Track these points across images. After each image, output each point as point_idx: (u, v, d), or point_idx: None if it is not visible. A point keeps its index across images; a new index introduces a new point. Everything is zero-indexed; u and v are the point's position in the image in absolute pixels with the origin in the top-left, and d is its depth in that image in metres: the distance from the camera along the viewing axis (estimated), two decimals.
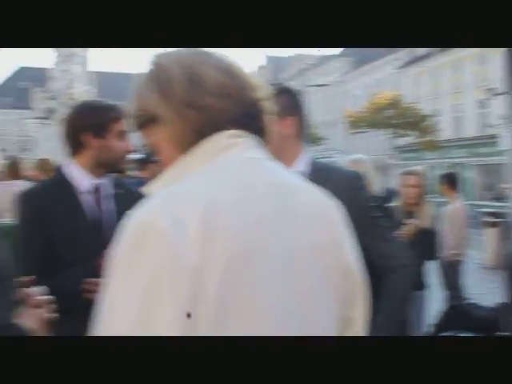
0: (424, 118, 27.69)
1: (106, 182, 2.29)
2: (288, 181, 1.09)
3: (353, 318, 1.14)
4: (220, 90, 1.06)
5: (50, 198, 2.19)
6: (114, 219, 2.21)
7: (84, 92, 41.24)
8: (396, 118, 27.18)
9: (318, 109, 40.91)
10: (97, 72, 52.30)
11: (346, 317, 1.12)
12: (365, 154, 5.44)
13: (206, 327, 0.91)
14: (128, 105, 1.14)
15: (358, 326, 1.15)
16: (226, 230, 0.93)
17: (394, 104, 27.56)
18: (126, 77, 69.97)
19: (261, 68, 62.34)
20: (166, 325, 0.89)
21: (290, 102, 2.29)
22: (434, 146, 27.73)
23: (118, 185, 2.35)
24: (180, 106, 1.06)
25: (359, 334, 1.15)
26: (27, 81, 54.07)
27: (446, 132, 29.94)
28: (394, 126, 27.73)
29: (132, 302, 0.90)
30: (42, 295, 1.52)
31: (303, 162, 2.29)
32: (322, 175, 2.10)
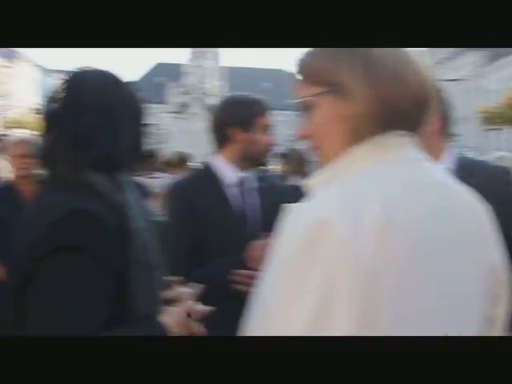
0: None
1: (250, 176, 2.34)
2: (444, 181, 1.07)
3: (495, 318, 1.11)
4: (401, 81, 1.01)
5: (198, 190, 2.26)
6: (257, 212, 2.27)
7: (216, 87, 42.27)
8: None
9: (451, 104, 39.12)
10: (228, 67, 53.53)
11: (489, 316, 1.09)
12: (498, 151, 5.28)
13: (379, 328, 0.89)
14: (295, 77, 1.09)
15: (498, 326, 1.12)
16: (401, 232, 0.90)
17: None
18: (254, 71, 71.18)
19: None
20: (340, 327, 0.86)
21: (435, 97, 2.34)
22: None
23: (261, 178, 2.39)
24: (379, 85, 1.00)
25: (497, 335, 1.12)
26: (163, 76, 56.29)
27: None
28: None
29: (307, 304, 0.87)
30: (192, 294, 1.55)
31: (449, 158, 2.29)
32: (468, 171, 2.09)
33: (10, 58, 49.12)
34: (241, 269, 2.05)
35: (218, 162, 2.33)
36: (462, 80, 36.17)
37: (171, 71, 55.47)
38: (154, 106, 57.84)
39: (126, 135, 1.41)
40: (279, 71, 70.87)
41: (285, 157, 6.25)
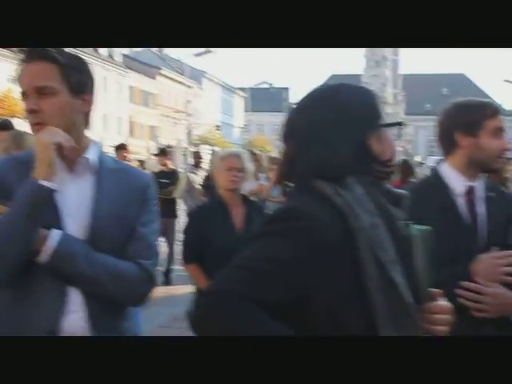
0: None
1: (479, 185, 2.21)
2: None
3: None
4: None
5: (426, 199, 2.17)
6: (484, 223, 2.15)
7: (393, 95, 41.70)
8: None
9: None
10: (404, 74, 52.48)
11: None
12: None
13: None
14: None
15: None
16: None
17: None
18: (430, 78, 68.89)
19: None
20: None
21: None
22: None
23: (489, 187, 2.26)
24: None
25: None
26: None
27: None
28: None
29: None
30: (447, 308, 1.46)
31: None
32: None
33: (196, 78, 52.43)
34: (466, 281, 1.97)
35: (446, 170, 2.23)
36: None
37: (345, 82, 55.59)
38: None
39: (346, 143, 1.37)
40: (459, 76, 67.97)
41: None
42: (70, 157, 1.72)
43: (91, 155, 1.80)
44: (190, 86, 50.30)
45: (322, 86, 1.48)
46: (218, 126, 52.81)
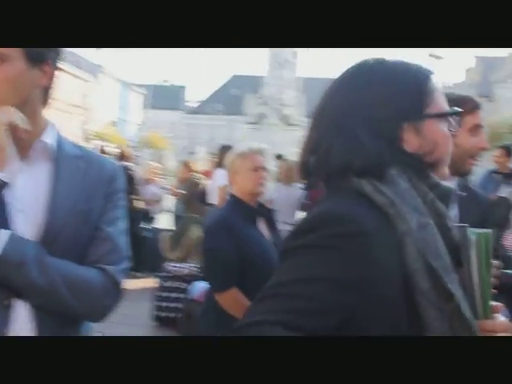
0: None
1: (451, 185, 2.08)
2: None
3: None
4: None
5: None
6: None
7: (293, 98, 42.38)
8: None
9: None
10: (305, 78, 53.54)
11: None
12: None
13: None
14: None
15: None
16: None
17: None
18: (329, 81, 70.68)
19: (468, 70, 59.17)
20: None
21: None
22: None
23: (461, 186, 2.16)
24: None
25: None
26: (238, 88, 56.98)
27: None
28: None
29: None
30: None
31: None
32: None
33: (93, 72, 50.86)
34: None
35: None
36: None
37: (246, 83, 56.19)
38: (226, 117, 59.13)
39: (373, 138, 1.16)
40: None
41: None
42: (24, 141, 1.40)
43: (48, 139, 1.50)
44: (86, 81, 48.63)
45: (361, 62, 1.27)
46: (114, 122, 51.60)
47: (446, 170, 1.27)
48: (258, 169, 3.07)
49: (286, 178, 7.37)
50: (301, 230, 1.14)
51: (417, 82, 1.22)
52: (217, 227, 3.06)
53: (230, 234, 2.92)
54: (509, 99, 44.43)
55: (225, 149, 6.99)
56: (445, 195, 1.20)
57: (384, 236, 1.08)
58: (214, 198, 7.16)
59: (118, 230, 1.55)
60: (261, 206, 3.14)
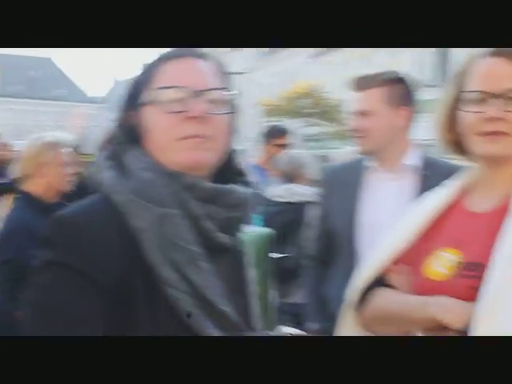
0: (338, 107, 28.20)
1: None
2: None
3: None
4: None
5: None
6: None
7: None
8: (311, 107, 27.45)
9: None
10: None
11: None
12: None
13: None
14: None
15: None
16: None
17: (310, 93, 27.82)
18: (22, 59, 66.49)
19: None
20: None
21: (406, 91, 2.37)
22: (342, 135, 28.29)
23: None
24: None
25: None
26: None
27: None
28: (309, 115, 27.99)
29: None
30: None
31: (415, 155, 2.35)
32: (438, 169, 2.17)
33: None
34: None
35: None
36: (240, 73, 37.56)
37: None
38: None
39: None
40: (48, 60, 67.41)
41: None
42: None
43: None
44: None
45: None
46: None
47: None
48: (66, 163, 2.83)
49: None
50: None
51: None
52: (14, 233, 2.69)
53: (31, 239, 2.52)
54: None
55: None
56: (212, 196, 1.16)
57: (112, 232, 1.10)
58: None
59: None
60: (60, 203, 2.76)
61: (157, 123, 1.16)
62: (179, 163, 1.15)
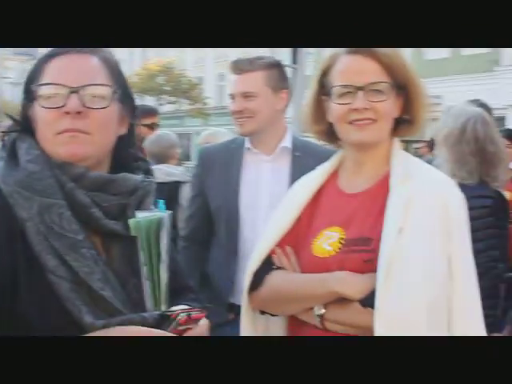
0: (194, 85, 28.04)
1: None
2: None
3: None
4: None
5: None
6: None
7: None
8: (167, 84, 27.07)
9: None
10: None
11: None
12: None
13: None
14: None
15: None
16: None
17: (166, 71, 27.39)
18: None
19: None
20: None
21: (282, 75, 2.45)
22: (203, 114, 28.31)
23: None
24: None
25: None
26: None
27: (209, 100, 30.44)
28: (164, 93, 27.60)
29: None
30: None
31: (289, 137, 2.43)
32: (307, 150, 2.35)
33: None
34: None
35: None
36: None
37: None
38: None
39: None
40: None
41: None
42: None
43: None
44: None
45: None
46: None
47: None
48: None
49: None
50: None
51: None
52: None
53: None
54: None
55: None
56: (99, 184, 1.23)
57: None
58: None
59: None
60: None
61: (39, 117, 1.23)
62: (60, 155, 1.22)
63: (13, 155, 1.23)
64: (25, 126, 1.26)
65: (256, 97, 2.35)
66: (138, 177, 1.29)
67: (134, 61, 32.45)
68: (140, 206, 1.26)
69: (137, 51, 33.32)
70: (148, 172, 1.34)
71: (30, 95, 1.25)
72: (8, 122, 1.32)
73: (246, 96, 2.35)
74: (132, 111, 1.33)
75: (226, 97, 31.70)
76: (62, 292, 1.14)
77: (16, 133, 1.26)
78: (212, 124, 30.05)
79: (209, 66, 32.72)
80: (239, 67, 2.40)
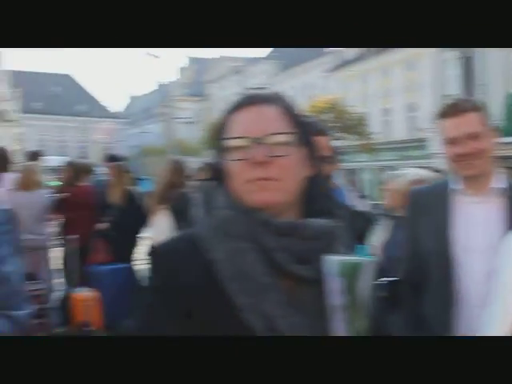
0: (360, 121, 28.02)
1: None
2: None
3: None
4: None
5: None
6: None
7: (8, 91, 39.28)
8: (334, 121, 27.21)
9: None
10: (13, 71, 49.80)
11: None
12: None
13: None
14: None
15: None
16: None
17: (332, 107, 27.66)
18: (43, 76, 67.42)
19: (183, 69, 61.68)
20: None
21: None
22: (370, 149, 28.11)
23: None
24: None
25: None
26: None
27: (375, 135, 30.21)
28: (332, 129, 27.74)
29: None
30: None
31: (500, 177, 2.39)
32: None
33: None
34: None
35: None
36: (256, 88, 37.56)
37: None
38: None
39: None
40: (67, 76, 68.28)
41: None
42: None
43: None
44: None
45: None
46: None
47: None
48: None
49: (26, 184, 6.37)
50: None
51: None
52: None
53: None
54: (220, 98, 47.41)
55: None
56: (283, 229, 1.27)
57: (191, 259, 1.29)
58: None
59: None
60: None
61: (230, 167, 1.31)
62: (251, 202, 1.29)
63: (209, 201, 1.35)
64: (217, 175, 1.36)
65: (481, 137, 2.30)
66: (323, 221, 1.31)
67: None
68: (328, 250, 1.26)
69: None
70: (336, 215, 1.36)
71: (219, 148, 1.34)
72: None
73: (471, 137, 2.28)
74: (314, 153, 1.36)
75: (392, 132, 31.87)
76: (255, 329, 1.22)
77: (210, 181, 1.38)
78: (379, 159, 29.97)
79: (372, 102, 32.51)
80: (454, 110, 2.35)
